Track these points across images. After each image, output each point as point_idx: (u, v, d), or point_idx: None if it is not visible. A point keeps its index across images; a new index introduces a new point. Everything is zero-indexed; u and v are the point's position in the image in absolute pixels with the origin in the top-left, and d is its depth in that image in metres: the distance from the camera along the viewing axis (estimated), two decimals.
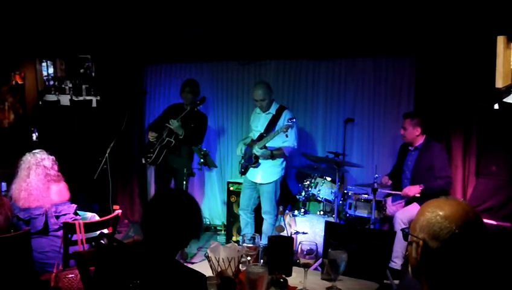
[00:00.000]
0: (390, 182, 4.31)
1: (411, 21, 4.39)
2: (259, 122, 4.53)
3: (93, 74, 6.15)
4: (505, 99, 4.10)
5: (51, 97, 6.50)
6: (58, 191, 3.17)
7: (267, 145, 4.30)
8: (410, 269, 1.33)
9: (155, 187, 5.19)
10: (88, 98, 6.25)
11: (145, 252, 1.65)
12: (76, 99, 6.32)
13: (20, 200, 3.05)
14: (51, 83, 6.49)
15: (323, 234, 3.01)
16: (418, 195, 3.95)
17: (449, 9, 4.17)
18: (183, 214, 1.69)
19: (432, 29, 4.34)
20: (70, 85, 6.34)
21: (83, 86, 6.26)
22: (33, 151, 3.20)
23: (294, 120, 4.13)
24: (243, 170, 4.57)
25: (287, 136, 4.13)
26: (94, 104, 6.23)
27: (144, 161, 4.99)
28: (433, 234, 1.24)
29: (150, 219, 1.70)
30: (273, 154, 4.28)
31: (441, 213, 1.25)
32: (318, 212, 4.51)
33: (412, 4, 4.28)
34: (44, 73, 6.49)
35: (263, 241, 3.02)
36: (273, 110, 4.43)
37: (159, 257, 1.64)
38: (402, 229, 1.38)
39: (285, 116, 4.36)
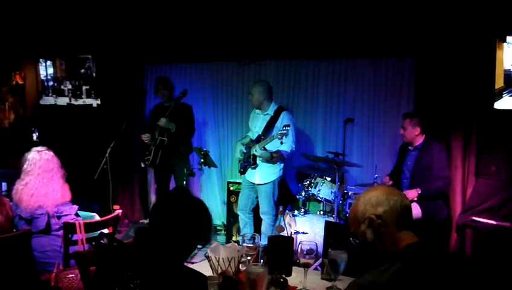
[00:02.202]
0: (391, 182, 4.30)
1: (411, 21, 4.39)
2: (257, 122, 4.53)
3: (93, 74, 6.15)
4: (495, 105, 4.08)
5: (49, 100, 6.49)
6: (61, 191, 3.16)
7: (266, 147, 4.30)
8: (379, 256, 1.53)
9: (155, 187, 5.21)
10: (88, 101, 6.23)
11: (150, 253, 1.64)
12: (75, 103, 6.30)
13: (23, 200, 3.03)
14: (50, 84, 6.48)
15: (323, 234, 3.01)
16: (415, 199, 3.95)
17: (449, 9, 4.17)
18: (193, 215, 1.68)
19: (432, 30, 4.35)
20: (70, 86, 6.32)
21: (83, 88, 6.25)
22: (37, 149, 3.16)
23: (288, 128, 4.04)
24: (242, 170, 4.58)
25: (281, 143, 4.11)
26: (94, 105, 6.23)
27: (143, 165, 5.04)
28: (376, 203, 1.52)
29: (160, 217, 1.68)
30: (272, 157, 4.27)
31: (372, 192, 1.56)
32: (318, 212, 4.51)
33: (412, 4, 4.28)
34: (44, 73, 6.48)
35: (263, 241, 3.02)
36: (271, 111, 4.42)
37: (161, 257, 1.63)
38: (351, 241, 1.62)
39: (282, 118, 4.34)
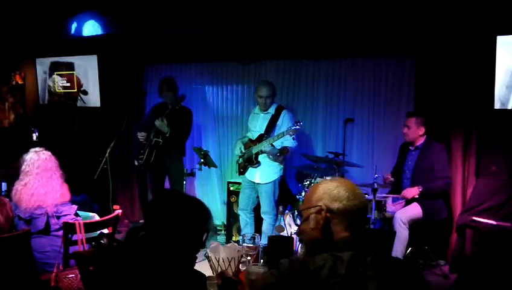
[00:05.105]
0: (392, 179, 4.29)
1: (411, 22, 4.39)
2: (257, 122, 4.52)
3: None
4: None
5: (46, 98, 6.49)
6: (60, 190, 3.16)
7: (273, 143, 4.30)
8: (310, 243, 1.54)
9: (150, 188, 5.19)
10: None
11: (149, 255, 1.63)
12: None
13: (22, 200, 3.03)
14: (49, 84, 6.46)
15: None
16: (417, 196, 3.96)
17: (449, 9, 4.17)
18: (183, 211, 1.67)
19: (432, 30, 4.35)
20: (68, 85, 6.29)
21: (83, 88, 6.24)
22: (35, 150, 3.17)
23: (301, 123, 4.08)
24: (241, 170, 4.58)
25: (294, 138, 4.12)
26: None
27: (136, 163, 4.98)
28: (333, 197, 1.50)
29: (154, 220, 1.67)
30: (281, 153, 4.28)
31: (334, 183, 1.54)
32: None
33: (412, 4, 4.28)
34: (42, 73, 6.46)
35: (263, 241, 3.02)
36: (272, 110, 4.44)
37: (161, 258, 1.63)
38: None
39: (283, 116, 4.36)
